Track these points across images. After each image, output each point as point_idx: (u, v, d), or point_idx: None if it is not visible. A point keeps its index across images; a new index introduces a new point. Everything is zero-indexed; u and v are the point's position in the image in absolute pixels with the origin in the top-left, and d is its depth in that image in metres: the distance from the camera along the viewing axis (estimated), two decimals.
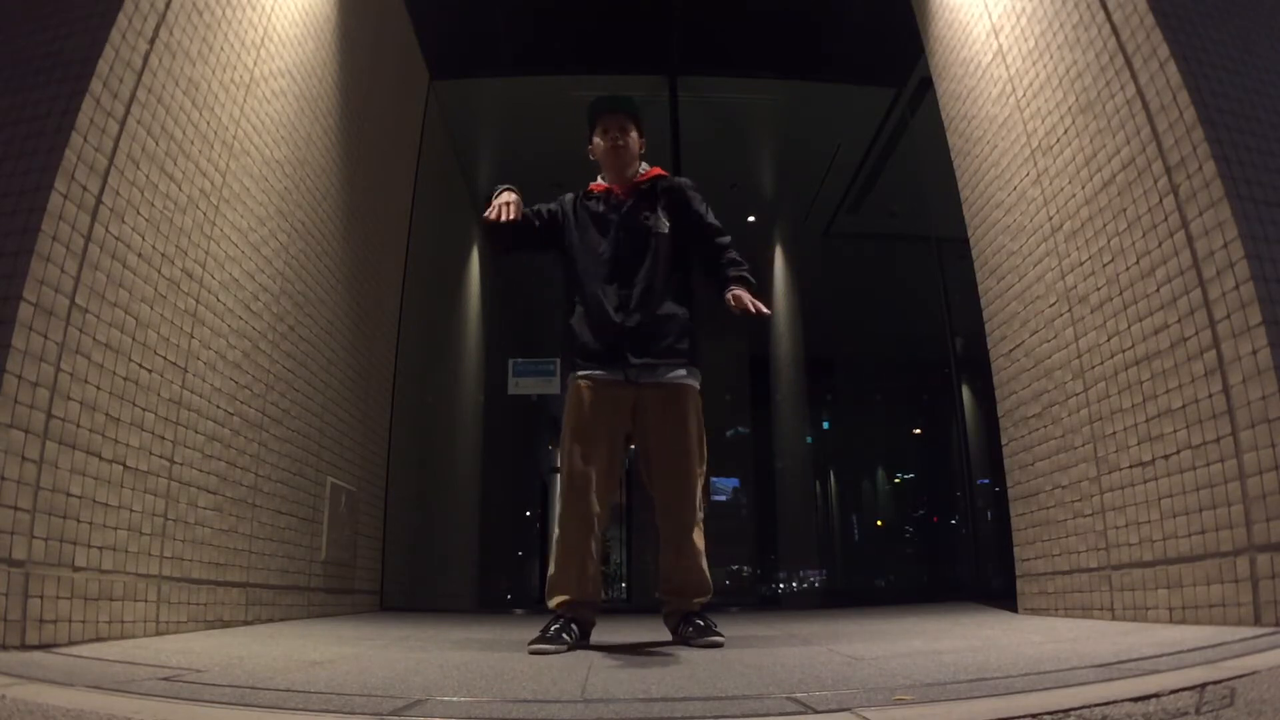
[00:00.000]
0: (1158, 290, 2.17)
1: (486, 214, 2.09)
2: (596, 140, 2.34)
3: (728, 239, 2.29)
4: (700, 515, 2.18)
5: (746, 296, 2.11)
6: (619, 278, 2.18)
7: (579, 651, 1.92)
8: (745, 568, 7.68)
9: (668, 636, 2.19)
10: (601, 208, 2.30)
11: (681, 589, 2.17)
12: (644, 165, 2.38)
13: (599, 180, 2.37)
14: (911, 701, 1.09)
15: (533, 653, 1.85)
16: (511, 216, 2.09)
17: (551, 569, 2.10)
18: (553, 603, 2.07)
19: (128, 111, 2.01)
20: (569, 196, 2.37)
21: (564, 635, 1.97)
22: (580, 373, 2.17)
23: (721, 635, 2.03)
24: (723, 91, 6.01)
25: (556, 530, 2.12)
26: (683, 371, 2.18)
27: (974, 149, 3.23)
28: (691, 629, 2.07)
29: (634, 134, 2.33)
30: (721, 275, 2.21)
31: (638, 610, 4.63)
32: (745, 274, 2.19)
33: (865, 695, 1.15)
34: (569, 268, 2.29)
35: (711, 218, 2.33)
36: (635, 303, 2.15)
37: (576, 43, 5.50)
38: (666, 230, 2.24)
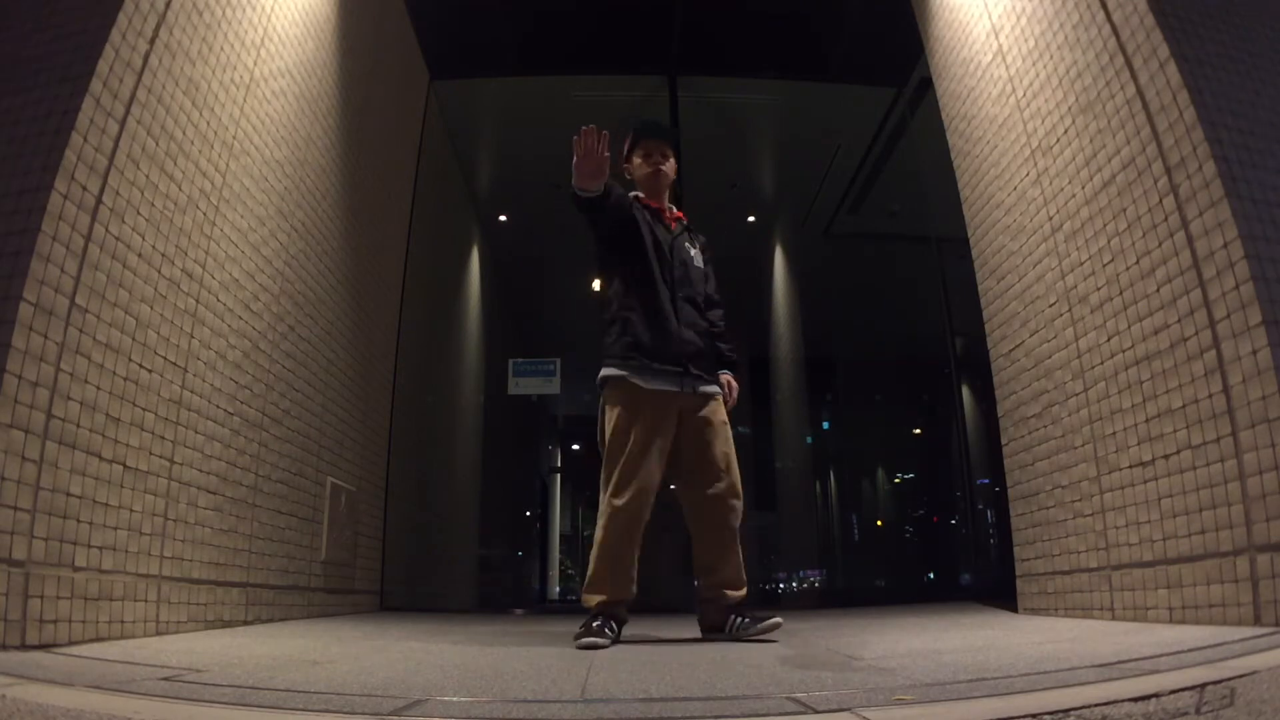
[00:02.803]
0: (1158, 290, 2.17)
1: (583, 159, 2.08)
2: (637, 160, 2.51)
3: (721, 311, 2.54)
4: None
5: (735, 387, 2.46)
6: (677, 296, 2.35)
7: (579, 651, 1.92)
8: (745, 567, 7.67)
9: (666, 635, 2.20)
10: (659, 226, 2.44)
11: (730, 583, 2.26)
12: (670, 205, 2.55)
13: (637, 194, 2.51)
14: (911, 701, 1.09)
15: (581, 647, 1.96)
16: (605, 152, 2.11)
17: (591, 568, 2.19)
18: (591, 602, 2.16)
19: (128, 111, 2.01)
20: (627, 193, 2.41)
21: (606, 631, 2.07)
22: (635, 379, 2.26)
23: (777, 616, 2.14)
24: (723, 91, 6.00)
25: (599, 531, 2.19)
26: (717, 387, 2.42)
27: (974, 149, 3.23)
28: (744, 619, 2.17)
29: (672, 160, 2.53)
30: (718, 350, 2.48)
31: (639, 610, 4.61)
32: (735, 359, 2.50)
33: (865, 695, 1.15)
34: (632, 266, 2.34)
35: (713, 280, 2.55)
36: (688, 321, 2.35)
37: (576, 43, 5.50)
38: (702, 265, 2.50)
